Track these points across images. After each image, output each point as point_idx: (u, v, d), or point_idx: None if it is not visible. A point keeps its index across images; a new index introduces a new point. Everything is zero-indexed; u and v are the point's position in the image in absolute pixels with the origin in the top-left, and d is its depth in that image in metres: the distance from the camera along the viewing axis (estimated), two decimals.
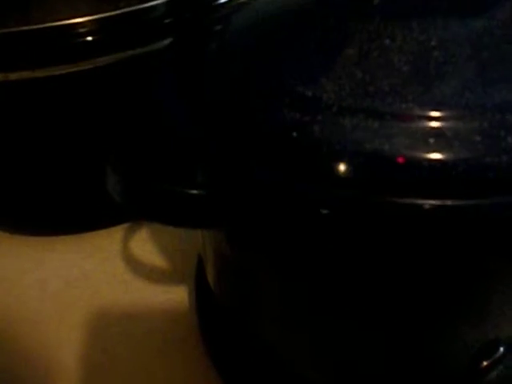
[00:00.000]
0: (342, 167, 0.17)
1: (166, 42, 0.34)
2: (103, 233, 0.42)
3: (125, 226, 0.43)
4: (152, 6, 0.34)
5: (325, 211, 0.18)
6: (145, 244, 0.42)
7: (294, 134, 0.17)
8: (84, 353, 0.34)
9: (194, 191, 0.20)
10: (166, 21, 0.34)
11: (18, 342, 0.35)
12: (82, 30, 0.33)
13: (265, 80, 0.19)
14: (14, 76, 0.33)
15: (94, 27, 0.33)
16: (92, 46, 0.34)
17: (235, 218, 0.21)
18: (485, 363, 0.28)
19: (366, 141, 0.17)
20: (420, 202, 0.16)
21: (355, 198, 0.17)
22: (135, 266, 0.40)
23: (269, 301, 0.24)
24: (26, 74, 0.33)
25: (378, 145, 0.16)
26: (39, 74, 0.33)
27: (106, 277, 0.39)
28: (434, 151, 0.16)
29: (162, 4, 0.34)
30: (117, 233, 0.42)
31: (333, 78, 0.18)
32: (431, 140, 0.16)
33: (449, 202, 0.16)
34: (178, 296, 0.37)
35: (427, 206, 0.16)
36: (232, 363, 0.31)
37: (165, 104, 0.22)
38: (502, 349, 0.28)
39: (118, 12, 0.34)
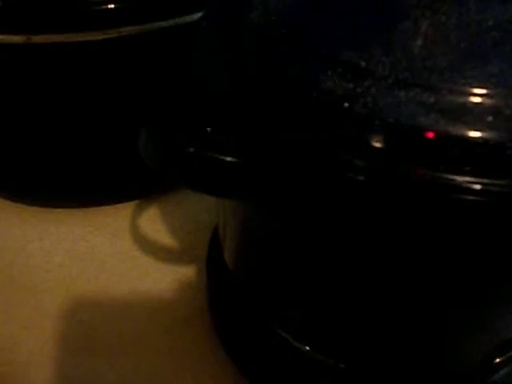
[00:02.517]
0: (394, 140, 0.17)
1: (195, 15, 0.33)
2: (111, 209, 0.42)
3: (134, 203, 0.42)
4: None
5: (366, 186, 0.17)
6: (153, 222, 0.41)
7: (346, 104, 0.17)
8: (89, 325, 0.34)
9: (230, 158, 0.20)
10: None
11: (21, 310, 0.35)
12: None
13: (316, 48, 0.19)
14: (36, 39, 0.32)
15: None
16: (115, 15, 0.33)
17: (270, 189, 0.20)
18: (497, 360, 0.28)
19: (421, 115, 0.16)
20: (470, 179, 0.16)
21: (403, 171, 0.17)
22: (143, 243, 0.40)
23: (288, 279, 0.23)
24: (48, 38, 0.33)
25: (433, 120, 0.16)
26: (62, 38, 0.33)
27: (113, 252, 0.39)
28: (491, 129, 0.16)
29: None
30: (125, 209, 0.42)
31: (387, 50, 0.18)
32: (489, 118, 0.16)
33: (498, 182, 0.16)
34: (185, 275, 0.37)
35: (478, 187, 0.16)
36: (241, 343, 0.30)
37: (204, 67, 0.21)
38: None
39: None
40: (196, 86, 0.22)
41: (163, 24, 0.34)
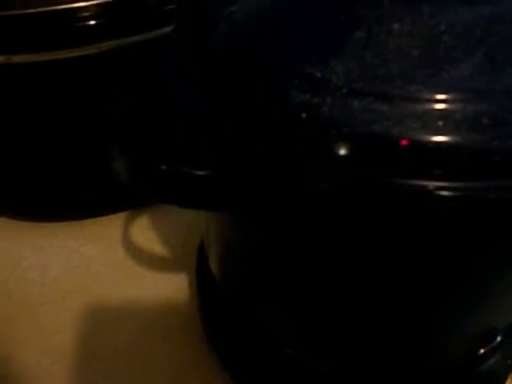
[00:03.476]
0: (350, 149, 0.17)
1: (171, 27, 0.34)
2: (104, 220, 0.42)
3: (125, 213, 0.43)
4: None
5: (331, 193, 0.18)
6: (146, 231, 0.42)
7: (304, 115, 0.18)
8: (83, 339, 0.34)
9: (202, 172, 0.20)
10: (171, 6, 0.34)
11: (17, 325, 0.35)
12: (85, 14, 0.33)
13: (274, 61, 0.19)
14: (16, 59, 0.33)
15: (98, 11, 0.33)
16: (96, 31, 0.33)
17: (242, 200, 0.21)
18: (482, 351, 0.28)
19: (375, 123, 0.17)
20: (425, 183, 0.16)
21: (362, 179, 0.17)
22: (136, 253, 0.40)
23: (271, 286, 0.24)
24: (28, 58, 0.33)
25: (386, 127, 0.17)
26: (42, 57, 0.33)
27: (107, 264, 0.40)
28: (441, 134, 0.16)
29: None
30: (117, 220, 0.42)
31: (342, 60, 0.18)
32: (439, 123, 0.16)
33: (453, 185, 0.16)
34: (178, 283, 0.38)
35: (431, 188, 0.16)
36: (232, 349, 0.31)
37: (172, 85, 0.22)
38: (499, 337, 0.28)
39: None
40: (166, 102, 0.22)
41: (142, 37, 0.34)
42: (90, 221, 0.42)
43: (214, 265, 0.28)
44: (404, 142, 0.17)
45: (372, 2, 0.20)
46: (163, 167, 0.20)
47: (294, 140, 0.18)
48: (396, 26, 0.19)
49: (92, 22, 0.33)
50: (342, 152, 0.17)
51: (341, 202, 0.18)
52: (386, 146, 0.17)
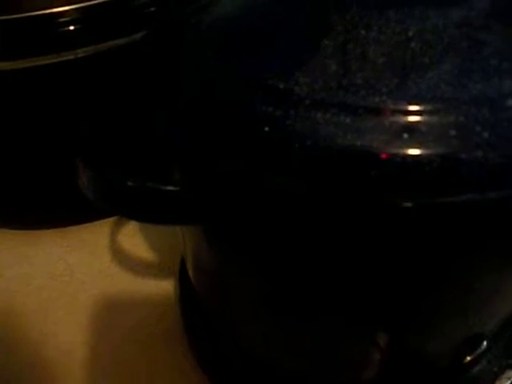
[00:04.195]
0: (313, 163, 0.16)
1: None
2: (89, 226, 0.42)
3: (111, 219, 0.42)
4: None
5: (295, 206, 0.17)
6: (131, 238, 0.41)
7: (267, 128, 0.17)
8: (68, 347, 0.34)
9: (169, 187, 0.20)
10: (148, 10, 0.33)
11: (2, 336, 0.35)
12: (62, 20, 0.33)
13: (239, 72, 0.18)
14: None
15: (75, 17, 0.33)
16: (73, 36, 0.33)
17: (210, 214, 0.20)
18: (468, 358, 0.28)
19: (338, 136, 0.16)
20: (391, 197, 0.16)
21: (325, 192, 0.16)
22: (121, 259, 0.40)
23: (242, 298, 0.23)
24: (4, 66, 0.33)
25: (349, 141, 0.16)
26: (18, 65, 0.33)
27: (92, 271, 0.39)
28: (407, 146, 0.16)
29: None
30: (103, 226, 0.42)
31: (306, 70, 0.17)
32: (405, 135, 0.16)
33: (422, 199, 0.16)
34: (164, 290, 0.37)
35: (398, 202, 0.16)
36: (214, 359, 0.30)
37: (138, 97, 0.21)
38: (485, 343, 0.28)
39: (98, 1, 0.33)
40: (130, 114, 0.21)
41: (118, 42, 0.34)
42: (75, 227, 0.42)
43: (191, 275, 0.28)
44: (367, 156, 0.16)
45: (339, 9, 0.19)
46: (129, 182, 0.20)
47: (256, 154, 0.17)
48: (362, 32, 0.18)
49: (70, 28, 0.33)
50: (305, 166, 0.17)
51: (304, 215, 0.18)
52: (349, 160, 0.16)
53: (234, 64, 0.19)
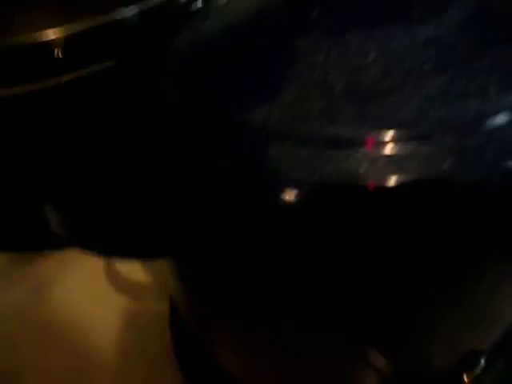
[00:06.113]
0: (269, 199, 0.16)
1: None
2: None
3: None
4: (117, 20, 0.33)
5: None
6: (128, 261, 0.41)
7: (222, 163, 0.16)
8: (61, 372, 0.34)
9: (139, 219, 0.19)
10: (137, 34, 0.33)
11: None
12: (45, 48, 0.32)
13: (200, 104, 0.18)
14: None
15: (58, 44, 0.32)
16: (57, 63, 0.33)
17: (175, 248, 0.20)
18: (466, 379, 0.27)
19: (295, 170, 0.15)
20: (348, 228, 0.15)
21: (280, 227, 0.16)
22: (118, 283, 0.39)
23: (221, 329, 0.23)
24: None
25: (304, 174, 0.15)
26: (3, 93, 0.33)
27: (88, 294, 0.39)
28: (366, 178, 0.15)
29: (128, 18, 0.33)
30: None
31: (262, 101, 0.17)
32: (361, 169, 0.15)
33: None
34: (161, 314, 0.37)
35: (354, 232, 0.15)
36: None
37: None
38: (482, 361, 0.27)
39: (81, 28, 0.33)
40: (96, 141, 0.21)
41: (100, 66, 0.33)
42: (71, 250, 0.41)
43: (176, 299, 0.27)
44: (328, 189, 0.15)
45: (300, 34, 0.18)
46: (97, 218, 0.19)
47: (211, 190, 0.16)
48: (321, 58, 0.17)
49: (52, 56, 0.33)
50: (261, 201, 0.16)
51: (258, 251, 0.17)
52: (306, 196, 0.15)
53: (197, 95, 0.18)
